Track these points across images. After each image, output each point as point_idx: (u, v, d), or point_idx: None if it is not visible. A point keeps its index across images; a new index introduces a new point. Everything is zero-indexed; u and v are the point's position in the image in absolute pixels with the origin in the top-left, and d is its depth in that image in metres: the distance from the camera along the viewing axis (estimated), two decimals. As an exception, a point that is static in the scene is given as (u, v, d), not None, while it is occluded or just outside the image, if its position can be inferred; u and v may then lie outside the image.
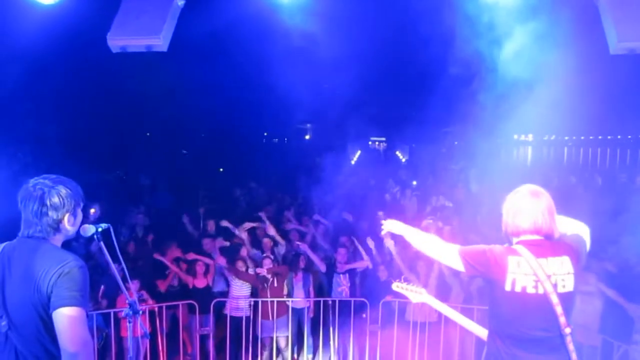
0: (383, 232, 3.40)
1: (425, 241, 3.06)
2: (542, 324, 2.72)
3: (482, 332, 3.23)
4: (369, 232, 8.01)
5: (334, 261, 7.57)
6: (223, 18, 6.59)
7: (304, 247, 7.63)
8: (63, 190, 2.41)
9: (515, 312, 2.76)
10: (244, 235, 8.06)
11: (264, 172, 14.51)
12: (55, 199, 2.38)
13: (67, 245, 2.56)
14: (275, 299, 7.11)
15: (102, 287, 6.36)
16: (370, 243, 7.22)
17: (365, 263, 7.35)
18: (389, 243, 6.98)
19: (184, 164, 16.72)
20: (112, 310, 6.30)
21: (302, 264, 7.53)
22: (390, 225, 3.31)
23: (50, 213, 2.39)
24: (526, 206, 2.80)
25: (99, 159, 13.53)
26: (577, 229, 2.95)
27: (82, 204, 2.53)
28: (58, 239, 2.47)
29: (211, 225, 8.86)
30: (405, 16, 8.52)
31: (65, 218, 2.42)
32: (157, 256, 7.52)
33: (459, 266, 2.89)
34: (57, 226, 2.42)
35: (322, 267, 7.57)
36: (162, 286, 7.40)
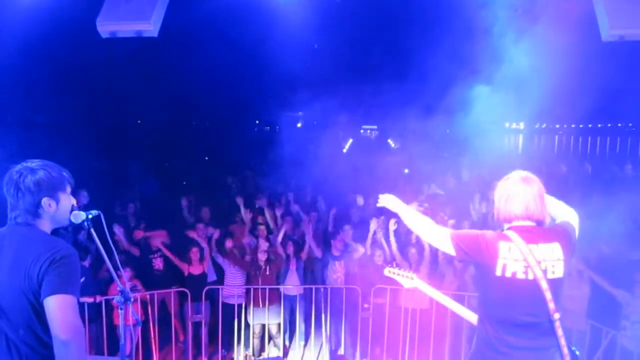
0: (378, 204, 3.34)
1: (419, 222, 3.06)
2: (532, 309, 2.74)
3: (473, 317, 3.26)
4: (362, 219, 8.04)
5: (330, 248, 7.59)
6: (214, 3, 6.52)
7: (307, 230, 7.61)
8: (40, 174, 2.40)
9: (505, 298, 2.79)
10: (248, 217, 8.08)
11: (255, 160, 14.46)
12: (29, 183, 2.37)
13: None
14: (267, 287, 7.13)
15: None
16: (375, 224, 7.20)
17: (360, 251, 7.35)
18: (392, 226, 6.95)
19: (175, 152, 16.62)
20: (103, 298, 6.28)
21: (291, 250, 7.54)
22: (386, 200, 3.29)
23: (26, 197, 2.38)
24: (518, 192, 2.82)
25: (89, 146, 13.41)
26: (567, 215, 2.97)
27: (67, 189, 2.50)
28: (45, 225, 2.45)
29: (206, 213, 8.84)
30: (399, 6, 8.50)
31: (44, 202, 2.40)
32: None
33: (450, 250, 2.91)
34: (34, 210, 2.40)
35: (318, 253, 7.58)
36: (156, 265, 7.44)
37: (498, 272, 2.76)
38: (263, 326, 7.32)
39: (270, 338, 7.40)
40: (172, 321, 7.07)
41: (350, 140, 23.93)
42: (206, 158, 18.18)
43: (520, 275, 2.73)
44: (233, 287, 7.29)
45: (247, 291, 7.33)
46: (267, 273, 7.22)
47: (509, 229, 2.85)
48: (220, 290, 7.30)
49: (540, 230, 2.82)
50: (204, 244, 7.42)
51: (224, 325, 7.28)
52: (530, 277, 2.72)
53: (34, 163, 2.43)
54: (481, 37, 7.36)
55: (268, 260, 7.24)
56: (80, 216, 2.63)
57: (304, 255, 7.58)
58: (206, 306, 7.26)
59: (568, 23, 6.12)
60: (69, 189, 2.52)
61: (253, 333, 7.32)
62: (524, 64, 7.27)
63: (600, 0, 4.74)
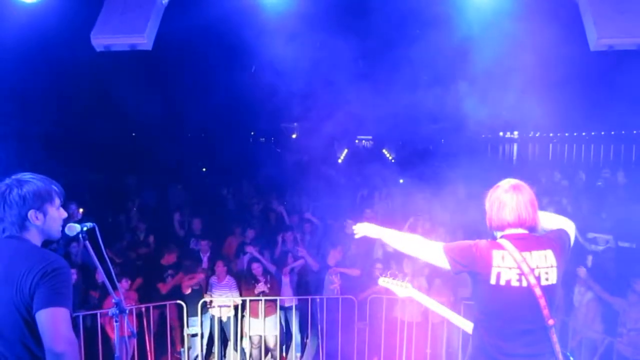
0: (356, 236, 3.33)
1: (407, 242, 3.06)
2: (527, 316, 2.76)
3: (468, 326, 3.27)
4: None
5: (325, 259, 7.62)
6: (208, 16, 6.56)
7: (302, 253, 7.72)
8: (27, 187, 2.41)
9: (500, 306, 2.80)
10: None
11: (251, 171, 14.47)
12: (15, 196, 2.38)
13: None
14: (260, 298, 7.14)
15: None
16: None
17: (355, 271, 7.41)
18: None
19: (170, 164, 16.59)
20: (98, 312, 6.27)
21: (290, 262, 7.57)
22: (363, 229, 3.28)
23: (12, 209, 2.39)
24: (509, 200, 2.84)
25: (84, 159, 13.40)
26: (562, 223, 2.99)
27: (55, 202, 2.50)
28: (34, 238, 2.45)
29: (197, 224, 8.85)
30: (393, 19, 8.57)
31: (30, 215, 2.41)
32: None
33: (445, 264, 2.90)
34: (21, 222, 2.41)
35: (315, 267, 7.61)
36: (163, 289, 7.36)
37: (492, 281, 2.78)
38: (260, 337, 7.30)
39: (267, 350, 7.39)
40: (168, 333, 7.04)
41: (346, 150, 23.99)
42: (204, 169, 18.17)
43: (514, 283, 2.75)
44: (221, 300, 7.28)
45: (241, 302, 7.33)
46: (269, 286, 7.23)
47: (502, 237, 2.87)
48: (208, 304, 7.29)
49: (533, 238, 2.84)
50: (205, 263, 7.50)
51: (218, 338, 7.28)
52: (525, 284, 2.74)
53: (23, 176, 2.45)
54: (473, 45, 7.43)
55: (265, 273, 7.25)
56: (74, 229, 2.64)
57: (296, 267, 7.64)
58: (203, 319, 7.26)
59: (558, 31, 6.19)
60: (57, 202, 2.51)
61: (252, 343, 7.29)
62: (517, 73, 7.33)
63: (587, 9, 4.80)
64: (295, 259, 7.69)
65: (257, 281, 7.19)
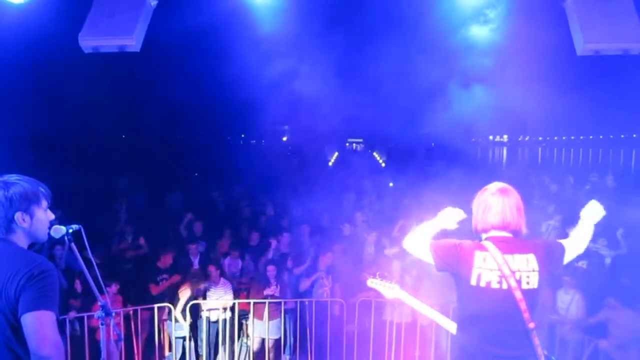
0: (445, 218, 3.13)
1: (418, 230, 3.11)
2: (507, 318, 2.78)
3: (454, 327, 3.29)
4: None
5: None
6: (197, 17, 6.55)
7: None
8: (14, 189, 2.38)
9: (481, 307, 2.82)
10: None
11: (241, 174, 14.46)
12: (1, 197, 2.36)
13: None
14: (253, 300, 7.11)
15: None
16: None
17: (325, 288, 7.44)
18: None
19: (161, 167, 16.53)
20: (85, 315, 6.21)
21: (289, 264, 7.57)
22: (449, 213, 3.14)
23: None
24: (495, 203, 2.87)
25: (74, 161, 13.33)
26: (571, 240, 3.00)
27: (42, 203, 2.48)
28: (21, 240, 2.42)
29: (199, 227, 8.81)
30: (380, 22, 8.60)
31: (17, 217, 2.38)
32: None
33: (429, 259, 2.96)
34: (8, 225, 2.38)
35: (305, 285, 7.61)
36: (154, 290, 7.28)
37: (473, 282, 2.80)
38: (262, 340, 7.26)
39: (261, 353, 7.36)
40: (155, 337, 6.99)
41: (337, 153, 24.03)
42: (196, 174, 18.13)
43: (494, 285, 2.77)
44: (217, 303, 7.24)
45: (233, 307, 7.29)
46: (279, 288, 7.21)
47: (486, 239, 2.90)
48: (202, 306, 7.26)
49: (516, 241, 2.86)
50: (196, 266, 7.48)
51: (210, 341, 7.25)
52: (505, 287, 2.76)
53: (10, 177, 2.42)
54: (464, 50, 7.47)
55: (277, 276, 7.26)
56: (60, 230, 2.62)
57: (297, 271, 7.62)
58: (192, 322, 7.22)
59: (546, 36, 6.25)
60: (44, 204, 2.49)
61: (253, 345, 7.26)
62: (506, 78, 7.38)
63: (574, 14, 4.85)
64: (294, 262, 7.66)
65: (269, 284, 7.16)
